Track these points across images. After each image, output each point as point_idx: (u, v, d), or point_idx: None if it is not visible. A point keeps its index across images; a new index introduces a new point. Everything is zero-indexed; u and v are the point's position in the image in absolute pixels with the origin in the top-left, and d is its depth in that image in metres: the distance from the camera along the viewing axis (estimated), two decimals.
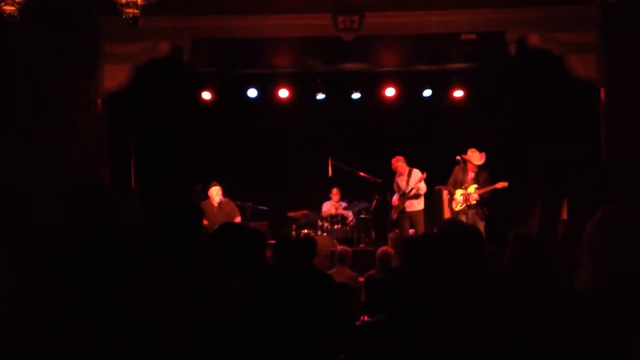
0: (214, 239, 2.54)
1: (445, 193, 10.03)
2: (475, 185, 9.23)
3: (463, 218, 8.94)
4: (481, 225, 9.04)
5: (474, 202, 9.19)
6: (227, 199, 9.86)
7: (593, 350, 2.05)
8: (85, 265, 1.82)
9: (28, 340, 1.73)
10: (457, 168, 9.48)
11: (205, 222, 8.83)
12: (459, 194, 9.31)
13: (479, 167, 9.33)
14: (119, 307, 1.85)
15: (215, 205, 9.70)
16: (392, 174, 10.11)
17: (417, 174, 9.76)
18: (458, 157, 9.37)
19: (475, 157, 9.29)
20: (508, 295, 2.77)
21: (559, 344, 2.15)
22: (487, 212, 9.37)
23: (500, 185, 9.15)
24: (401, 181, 9.87)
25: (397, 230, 10.03)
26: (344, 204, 10.84)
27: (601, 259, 2.14)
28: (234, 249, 2.55)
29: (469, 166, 9.35)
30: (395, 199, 9.99)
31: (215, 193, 9.73)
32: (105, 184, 8.05)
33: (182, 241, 2.03)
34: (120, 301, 1.86)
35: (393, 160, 9.89)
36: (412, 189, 9.67)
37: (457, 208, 9.31)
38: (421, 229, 9.50)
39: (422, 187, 9.71)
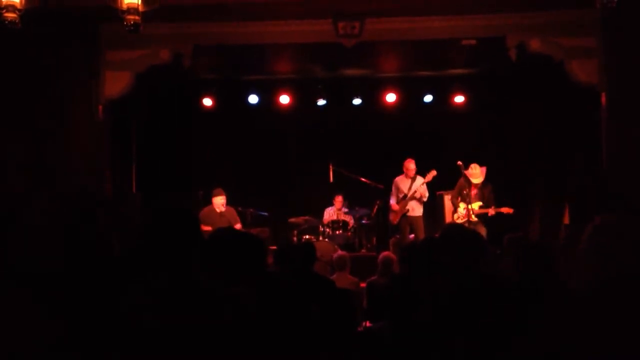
0: (211, 244, 2.54)
1: (446, 199, 10.01)
2: (480, 203, 9.21)
3: (465, 223, 8.92)
4: (483, 230, 9.02)
5: (475, 219, 9.16)
6: (227, 206, 9.86)
7: (593, 350, 2.07)
8: (82, 271, 1.82)
9: (24, 349, 1.73)
10: (461, 180, 9.43)
11: (209, 228, 8.84)
12: (462, 207, 9.29)
13: (483, 181, 9.31)
14: (118, 312, 1.84)
15: (218, 211, 9.68)
16: (392, 180, 10.06)
17: (420, 180, 9.73)
18: (459, 163, 9.34)
19: (476, 175, 9.24)
20: (510, 299, 2.77)
21: (560, 345, 2.15)
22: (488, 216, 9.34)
23: (505, 211, 9.15)
24: (404, 184, 9.83)
25: (398, 236, 10.00)
26: (345, 210, 10.84)
27: (595, 264, 2.17)
28: (231, 254, 2.55)
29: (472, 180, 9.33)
30: (394, 202, 9.91)
31: (220, 202, 9.71)
32: (94, 192, 8.03)
33: (181, 247, 2.03)
34: (120, 307, 1.86)
35: (408, 161, 9.81)
36: (415, 191, 9.61)
37: (459, 221, 9.25)
38: (421, 234, 9.46)
39: (425, 190, 9.67)
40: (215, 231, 2.75)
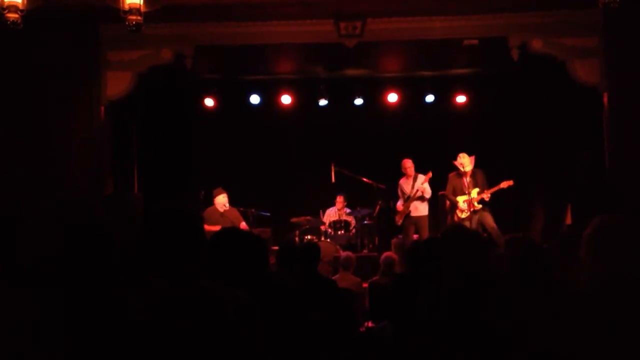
0: (213, 245, 2.53)
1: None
2: (477, 189, 9.12)
3: (467, 224, 8.88)
4: (490, 219, 8.97)
5: (479, 206, 9.08)
6: (229, 206, 9.84)
7: (592, 351, 2.07)
8: (83, 271, 1.82)
9: (24, 349, 1.72)
10: (451, 175, 9.37)
11: (217, 227, 8.81)
12: (462, 200, 9.21)
13: (473, 168, 9.23)
14: (118, 313, 1.84)
15: (221, 211, 9.66)
16: (394, 180, 10.05)
17: (422, 179, 9.70)
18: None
19: (465, 163, 9.15)
20: (511, 300, 2.76)
21: (560, 346, 2.15)
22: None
23: (506, 184, 9.04)
24: (406, 185, 9.80)
25: (400, 236, 9.97)
26: (347, 210, 10.82)
27: (596, 264, 2.17)
28: (234, 254, 2.54)
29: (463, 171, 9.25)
30: (399, 204, 9.88)
31: (222, 202, 9.68)
32: (95, 192, 8.02)
33: (182, 248, 2.03)
34: (120, 309, 1.86)
35: (405, 161, 9.79)
36: (417, 190, 9.59)
37: (463, 215, 9.16)
38: (426, 234, 9.42)
39: (427, 189, 9.63)
40: (218, 231, 2.75)
